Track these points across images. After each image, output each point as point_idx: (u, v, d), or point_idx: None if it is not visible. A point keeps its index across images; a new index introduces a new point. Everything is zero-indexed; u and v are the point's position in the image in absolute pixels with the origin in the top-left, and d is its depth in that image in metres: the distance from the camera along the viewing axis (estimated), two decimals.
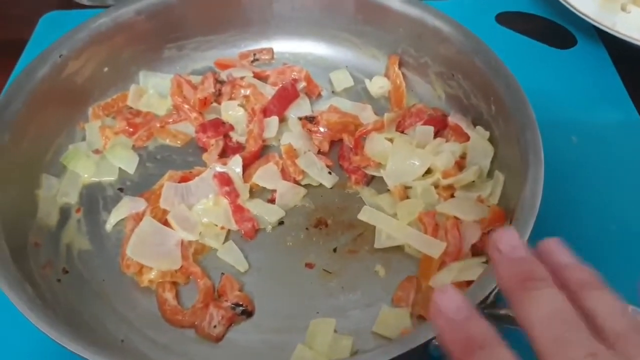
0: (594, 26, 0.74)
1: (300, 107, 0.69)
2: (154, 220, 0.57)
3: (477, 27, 0.66)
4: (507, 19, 0.83)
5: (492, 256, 0.35)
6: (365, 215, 0.59)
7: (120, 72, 0.70)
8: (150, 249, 0.56)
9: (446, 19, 0.65)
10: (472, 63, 0.63)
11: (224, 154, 0.65)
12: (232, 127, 0.67)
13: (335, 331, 0.52)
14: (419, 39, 0.68)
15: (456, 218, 0.57)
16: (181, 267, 0.56)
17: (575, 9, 0.74)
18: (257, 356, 0.52)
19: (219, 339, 0.52)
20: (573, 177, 0.65)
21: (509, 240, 0.34)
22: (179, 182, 0.61)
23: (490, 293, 0.45)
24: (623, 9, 0.76)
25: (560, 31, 0.81)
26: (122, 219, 0.60)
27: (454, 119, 0.64)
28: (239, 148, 0.66)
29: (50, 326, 0.44)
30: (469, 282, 0.52)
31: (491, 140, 0.62)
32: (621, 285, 0.55)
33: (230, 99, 0.68)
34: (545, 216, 0.50)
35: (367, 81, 0.72)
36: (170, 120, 0.68)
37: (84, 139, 0.66)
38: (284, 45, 0.75)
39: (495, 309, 0.45)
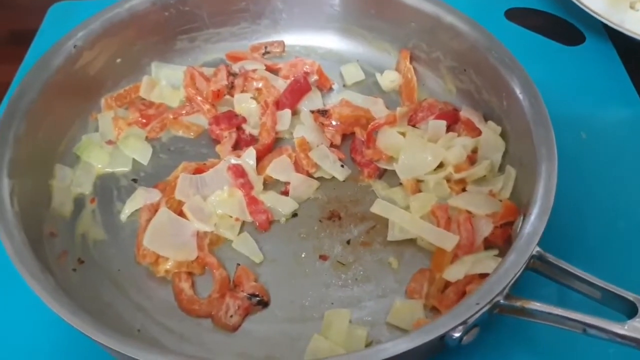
0: (603, 23, 0.74)
1: (312, 101, 0.70)
2: (170, 211, 0.58)
3: (486, 23, 0.67)
4: (516, 15, 0.83)
5: None
6: (378, 208, 0.60)
7: (133, 63, 0.70)
8: (167, 239, 0.56)
9: (459, 15, 0.66)
10: (485, 58, 0.63)
11: (237, 146, 0.65)
12: (244, 120, 0.67)
13: (350, 322, 0.53)
14: (431, 33, 0.68)
15: (468, 212, 0.58)
16: (197, 257, 0.56)
17: (584, 5, 0.75)
18: (273, 346, 0.52)
19: (235, 328, 0.53)
20: (582, 172, 0.65)
21: None
22: (193, 173, 0.61)
23: (506, 286, 0.45)
24: (632, 6, 0.77)
25: (569, 28, 0.82)
26: (137, 210, 0.60)
27: (465, 113, 0.65)
28: (252, 140, 0.66)
29: (73, 315, 0.44)
30: (482, 275, 0.53)
31: (503, 135, 0.63)
32: (629, 280, 0.56)
33: (243, 91, 0.69)
34: (555, 211, 0.50)
35: (378, 75, 0.73)
36: (183, 112, 0.68)
37: (96, 129, 0.67)
38: (294, 39, 0.76)
39: (510, 301, 0.46)
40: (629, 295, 0.44)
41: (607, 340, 0.44)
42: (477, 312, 0.44)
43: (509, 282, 0.45)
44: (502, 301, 0.46)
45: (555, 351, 0.53)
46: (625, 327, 0.43)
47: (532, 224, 0.49)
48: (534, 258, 0.48)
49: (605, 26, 0.75)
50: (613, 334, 0.43)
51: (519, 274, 0.46)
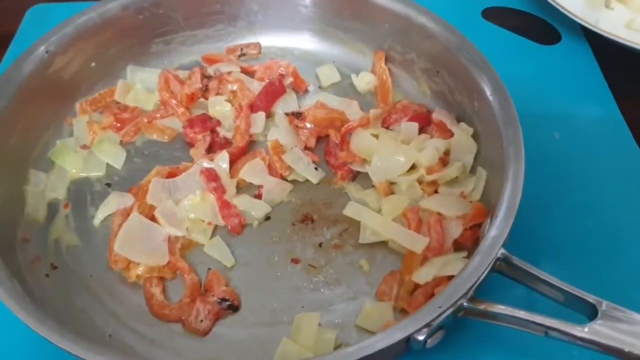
0: (579, 23, 0.75)
1: (287, 103, 0.70)
2: (141, 216, 0.58)
3: (463, 22, 0.67)
4: (492, 14, 0.84)
5: None
6: (350, 210, 0.60)
7: (108, 67, 0.70)
8: (138, 244, 0.56)
9: (431, 16, 0.66)
10: (456, 60, 0.63)
11: (211, 149, 0.65)
12: (219, 123, 0.67)
13: (319, 325, 0.53)
14: (405, 35, 0.69)
15: (439, 214, 0.58)
16: (168, 262, 0.57)
17: (559, 5, 0.75)
18: (243, 350, 0.53)
19: (205, 333, 0.53)
20: (555, 172, 0.66)
21: None
22: (166, 177, 0.62)
23: (470, 288, 0.46)
24: (607, 5, 0.77)
25: (545, 27, 0.82)
26: (110, 214, 0.60)
27: (438, 115, 0.65)
28: (226, 143, 0.66)
29: (39, 323, 0.44)
30: (450, 277, 0.53)
31: (474, 136, 0.63)
32: (598, 278, 0.57)
33: (218, 94, 0.69)
34: (526, 210, 0.51)
35: (354, 76, 0.73)
36: (158, 115, 0.68)
37: (71, 134, 0.67)
38: (270, 40, 0.76)
39: (474, 304, 0.46)
40: (590, 298, 0.45)
41: (569, 343, 0.44)
42: (440, 315, 0.44)
43: (473, 285, 0.46)
44: (465, 304, 0.46)
45: (523, 353, 0.54)
46: (585, 330, 0.43)
47: (498, 227, 0.49)
48: (499, 260, 0.48)
49: (582, 25, 0.75)
50: (573, 336, 0.43)
51: (482, 277, 0.46)
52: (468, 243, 0.56)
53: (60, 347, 0.44)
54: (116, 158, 0.65)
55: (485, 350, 0.54)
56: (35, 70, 0.63)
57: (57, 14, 0.84)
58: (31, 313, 0.45)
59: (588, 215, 0.62)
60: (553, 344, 0.45)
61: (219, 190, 0.61)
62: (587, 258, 0.59)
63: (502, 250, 0.48)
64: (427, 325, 0.44)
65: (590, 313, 0.44)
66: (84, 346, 0.44)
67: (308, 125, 0.67)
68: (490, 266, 0.47)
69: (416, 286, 0.54)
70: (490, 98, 0.59)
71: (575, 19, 0.74)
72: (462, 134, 0.63)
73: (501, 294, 0.51)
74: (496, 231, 0.49)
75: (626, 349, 0.42)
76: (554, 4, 0.76)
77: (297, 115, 0.68)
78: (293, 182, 0.64)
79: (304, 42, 0.75)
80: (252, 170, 0.63)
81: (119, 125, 0.67)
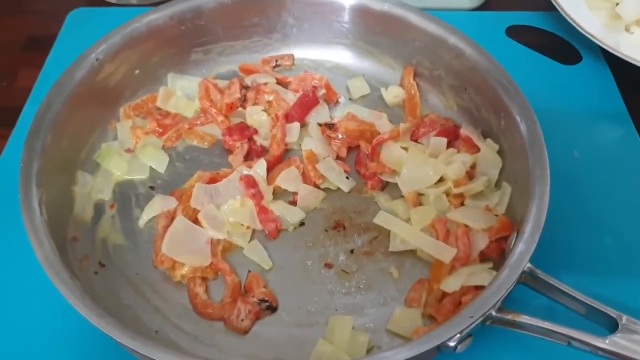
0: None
1: (320, 113, 0.73)
2: (186, 219, 0.61)
3: (487, 39, 0.70)
4: (516, 33, 0.87)
5: None
6: (380, 219, 0.64)
7: (150, 74, 0.74)
8: (183, 246, 0.60)
9: (461, 36, 0.69)
10: (484, 79, 0.67)
11: (248, 157, 0.69)
12: (256, 131, 0.71)
13: (352, 328, 0.57)
14: (434, 52, 0.72)
15: (466, 226, 0.62)
16: (211, 263, 0.60)
17: (580, 27, 0.78)
18: (281, 348, 0.56)
19: (246, 331, 0.57)
20: (574, 189, 0.69)
21: None
22: (208, 182, 0.65)
23: (498, 301, 0.49)
24: (627, 29, 0.80)
25: (567, 47, 0.85)
26: (154, 216, 0.64)
27: (465, 131, 0.68)
28: (263, 151, 0.70)
29: (100, 318, 0.48)
30: (477, 287, 0.57)
31: (500, 152, 0.66)
32: (614, 294, 0.60)
33: (255, 104, 0.72)
34: (546, 226, 0.54)
35: (382, 90, 0.76)
36: (198, 122, 0.72)
37: (115, 138, 0.70)
38: (304, 52, 0.79)
39: (502, 313, 0.50)
40: (611, 312, 0.48)
41: (590, 353, 0.48)
42: (471, 324, 0.48)
43: (501, 297, 0.49)
44: (494, 314, 0.50)
45: (544, 357, 0.57)
46: (606, 342, 0.46)
47: (525, 242, 0.53)
48: (525, 274, 0.52)
49: (601, 47, 0.78)
50: (595, 347, 0.47)
51: (510, 289, 0.50)
52: (493, 255, 0.60)
53: (119, 341, 0.47)
54: (159, 162, 0.68)
55: (508, 354, 0.57)
56: (85, 77, 0.66)
57: (97, 17, 0.88)
58: (92, 309, 0.49)
59: (606, 232, 0.65)
60: (573, 351, 0.49)
61: (257, 196, 0.64)
62: (605, 273, 0.62)
63: (529, 264, 0.52)
64: (459, 333, 0.48)
65: (611, 326, 0.48)
66: (140, 340, 0.47)
67: (340, 136, 0.71)
68: (517, 279, 0.51)
69: (444, 294, 0.58)
70: (517, 118, 0.62)
71: (595, 40, 0.77)
72: (488, 149, 0.66)
73: (525, 302, 0.55)
74: (523, 246, 0.52)
75: None
76: (575, 25, 0.79)
77: (330, 126, 0.71)
78: (325, 190, 0.67)
79: (336, 55, 0.79)
80: (288, 178, 0.67)
81: (161, 130, 0.70)
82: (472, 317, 0.48)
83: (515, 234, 0.57)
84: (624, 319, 0.47)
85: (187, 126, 0.71)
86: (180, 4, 0.72)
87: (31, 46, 0.88)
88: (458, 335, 0.48)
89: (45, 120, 0.61)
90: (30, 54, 0.87)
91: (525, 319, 0.49)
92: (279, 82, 0.75)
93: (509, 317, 0.50)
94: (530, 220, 0.54)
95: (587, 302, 0.49)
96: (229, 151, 0.69)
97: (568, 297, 0.50)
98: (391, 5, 0.73)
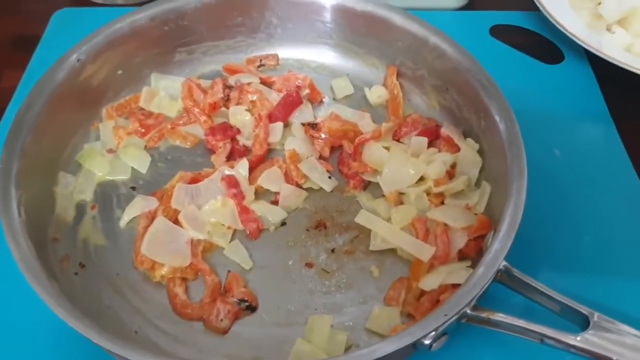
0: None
1: (303, 113, 0.73)
2: (166, 219, 0.62)
3: (471, 39, 0.71)
4: (500, 32, 0.87)
5: None
6: (362, 218, 0.64)
7: (133, 75, 0.74)
8: (163, 246, 0.60)
9: (443, 37, 0.69)
10: (466, 80, 0.67)
11: (231, 156, 0.69)
12: (239, 131, 0.71)
13: (331, 327, 0.57)
14: (417, 53, 0.72)
15: (445, 224, 0.62)
16: (191, 264, 0.60)
17: (563, 27, 0.79)
18: (261, 348, 0.56)
19: (225, 331, 0.57)
20: (554, 187, 0.69)
21: None
22: (189, 183, 0.65)
23: (473, 299, 0.49)
24: (608, 29, 0.80)
25: (550, 47, 0.86)
26: (135, 217, 0.64)
27: (446, 130, 0.69)
28: (245, 151, 0.70)
29: (78, 320, 0.48)
30: (455, 285, 0.57)
31: (480, 152, 0.67)
32: (592, 291, 0.61)
33: (238, 103, 0.72)
34: (525, 224, 0.54)
35: (366, 90, 0.76)
36: (181, 122, 0.72)
37: (98, 138, 0.70)
38: (288, 52, 0.79)
39: (477, 311, 0.50)
40: (583, 309, 0.49)
41: (563, 350, 0.48)
42: (445, 322, 0.48)
43: (476, 295, 0.50)
44: (469, 312, 0.50)
45: (519, 355, 0.58)
46: (578, 339, 0.47)
47: (501, 241, 0.53)
48: (500, 272, 0.52)
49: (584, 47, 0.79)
50: (566, 344, 0.47)
51: (485, 287, 0.50)
52: (472, 253, 0.60)
53: (96, 343, 0.47)
54: (141, 162, 0.68)
55: (484, 352, 0.58)
56: (67, 78, 0.66)
57: (82, 17, 0.88)
58: (69, 311, 0.49)
59: (584, 231, 0.66)
60: (547, 349, 0.49)
61: (239, 196, 0.65)
62: (582, 271, 0.63)
63: (504, 263, 0.52)
64: (433, 331, 0.48)
65: (583, 323, 0.48)
66: (118, 343, 0.47)
67: (323, 136, 0.71)
68: (492, 277, 0.51)
69: (422, 292, 0.58)
70: (496, 118, 0.62)
71: (578, 41, 0.78)
72: (468, 149, 0.67)
73: (501, 302, 0.55)
74: (499, 245, 0.52)
75: (614, 358, 0.46)
76: (558, 25, 0.80)
77: (313, 126, 0.71)
78: (308, 189, 0.68)
79: (320, 55, 0.79)
80: (270, 178, 0.67)
81: (143, 130, 0.71)
82: (446, 315, 0.48)
83: (492, 232, 0.57)
84: (596, 317, 0.47)
85: (169, 126, 0.71)
86: (164, 4, 0.72)
87: (18, 46, 0.88)
88: (433, 333, 0.48)
89: (26, 122, 0.61)
90: (17, 54, 0.87)
91: (499, 317, 0.50)
92: (263, 82, 0.75)
93: (484, 315, 0.50)
94: (506, 219, 0.54)
95: (560, 300, 0.50)
96: (212, 151, 0.70)
97: (542, 295, 0.51)
98: (374, 5, 0.73)
